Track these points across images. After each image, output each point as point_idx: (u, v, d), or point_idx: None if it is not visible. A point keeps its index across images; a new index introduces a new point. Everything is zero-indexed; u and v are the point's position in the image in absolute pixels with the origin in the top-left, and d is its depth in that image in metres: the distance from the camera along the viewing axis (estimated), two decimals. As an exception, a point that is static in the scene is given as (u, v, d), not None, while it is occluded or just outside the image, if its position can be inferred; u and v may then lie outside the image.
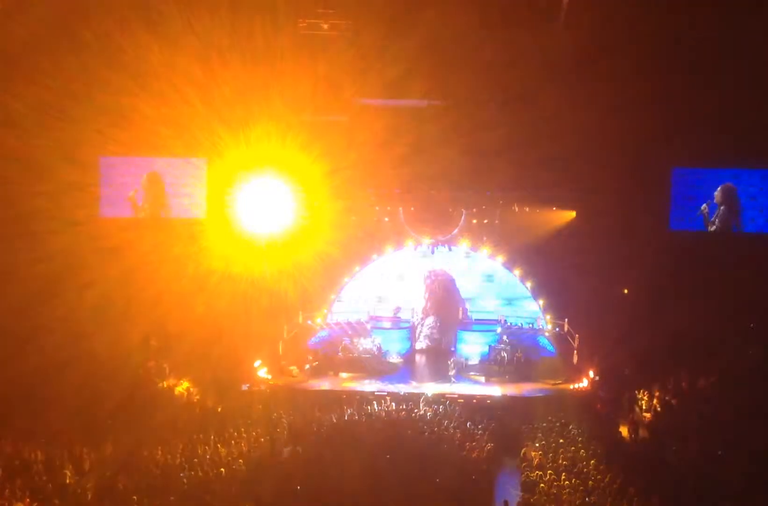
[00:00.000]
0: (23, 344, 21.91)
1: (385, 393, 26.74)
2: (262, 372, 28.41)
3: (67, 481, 17.78)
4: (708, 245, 26.64)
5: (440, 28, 21.34)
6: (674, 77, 22.43)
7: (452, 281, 35.57)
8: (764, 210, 26.44)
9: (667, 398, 24.54)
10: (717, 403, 22.42)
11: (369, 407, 24.78)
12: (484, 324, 33.74)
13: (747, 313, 26.30)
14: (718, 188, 26.56)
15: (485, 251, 34.09)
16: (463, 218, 34.64)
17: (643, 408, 24.89)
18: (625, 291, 30.25)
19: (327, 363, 30.81)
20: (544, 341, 32.03)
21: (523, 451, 20.42)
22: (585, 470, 18.19)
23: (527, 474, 18.43)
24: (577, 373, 28.36)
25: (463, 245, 34.31)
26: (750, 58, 21.76)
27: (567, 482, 17.34)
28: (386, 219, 35.53)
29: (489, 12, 20.68)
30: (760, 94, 22.76)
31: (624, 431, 23.02)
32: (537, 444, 20.78)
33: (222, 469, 18.31)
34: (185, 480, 17.56)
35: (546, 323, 32.42)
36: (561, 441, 20.80)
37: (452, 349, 33.25)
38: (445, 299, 35.24)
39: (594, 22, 20.68)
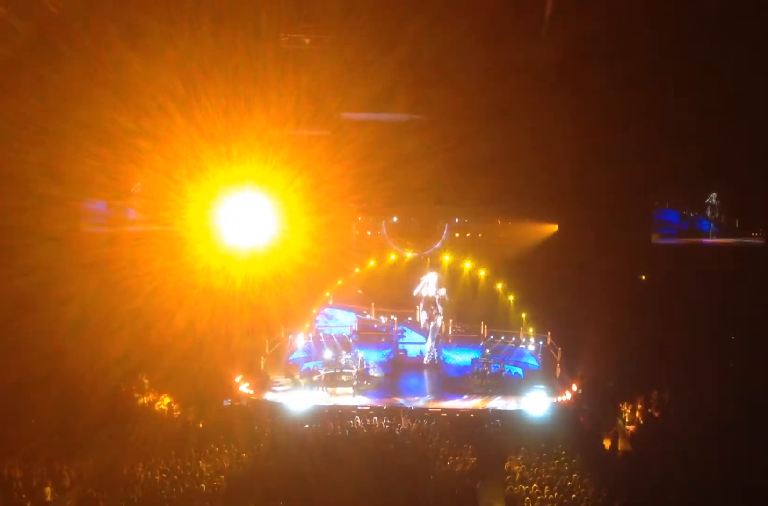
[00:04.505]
0: (1, 360, 21.64)
1: (368, 408, 26.59)
2: (244, 387, 28.18)
3: (48, 499, 17.61)
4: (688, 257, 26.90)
5: (422, 43, 21.50)
6: (656, 91, 22.64)
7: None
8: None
9: (649, 410, 24.60)
10: (698, 415, 22.49)
11: (352, 422, 24.61)
12: (466, 338, 33.70)
13: (727, 325, 26.49)
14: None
15: (468, 264, 34.22)
16: (445, 231, 34.82)
17: (626, 420, 24.93)
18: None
19: (310, 378, 30.62)
20: (527, 355, 32.02)
21: (506, 465, 20.36)
22: (569, 483, 18.18)
23: (511, 487, 18.41)
24: (560, 386, 28.36)
25: (446, 258, 34.44)
26: (732, 74, 22.02)
27: (551, 495, 17.34)
28: (368, 233, 35.73)
29: (471, 27, 20.84)
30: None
31: (607, 444, 23.03)
32: (520, 458, 20.72)
33: (203, 485, 18.14)
34: (166, 497, 17.39)
35: (529, 337, 32.46)
36: (544, 454, 20.76)
37: (436, 363, 33.14)
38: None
39: (575, 37, 20.90)
